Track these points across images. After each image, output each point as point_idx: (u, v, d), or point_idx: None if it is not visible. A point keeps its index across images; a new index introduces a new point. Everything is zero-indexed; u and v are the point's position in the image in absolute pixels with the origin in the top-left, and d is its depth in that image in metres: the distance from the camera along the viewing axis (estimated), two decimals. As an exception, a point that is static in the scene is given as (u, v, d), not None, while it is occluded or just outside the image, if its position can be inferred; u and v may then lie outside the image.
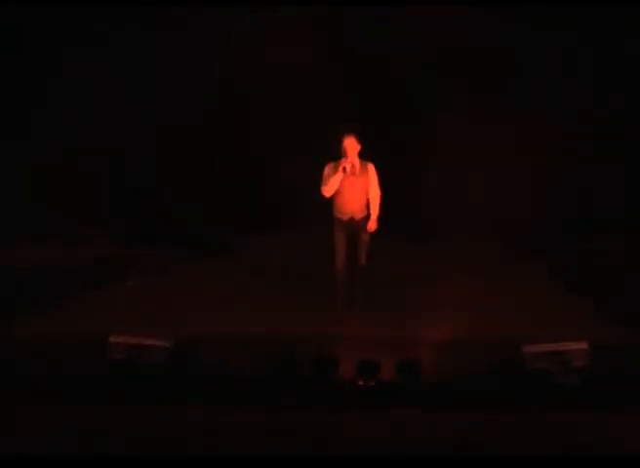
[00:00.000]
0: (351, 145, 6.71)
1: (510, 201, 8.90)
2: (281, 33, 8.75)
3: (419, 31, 8.79)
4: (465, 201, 9.22)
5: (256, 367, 5.04)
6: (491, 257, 8.51)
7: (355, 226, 6.85)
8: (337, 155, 6.84)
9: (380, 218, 6.93)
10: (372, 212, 6.87)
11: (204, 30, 9.01)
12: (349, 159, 6.67)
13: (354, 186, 6.78)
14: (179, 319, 6.58)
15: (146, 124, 9.36)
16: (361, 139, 6.82)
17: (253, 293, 7.63)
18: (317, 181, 6.87)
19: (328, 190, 6.76)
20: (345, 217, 6.86)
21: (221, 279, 8.19)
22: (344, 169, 6.62)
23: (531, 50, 8.76)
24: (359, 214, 6.85)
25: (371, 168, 6.85)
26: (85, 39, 8.97)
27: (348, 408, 4.33)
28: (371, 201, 6.88)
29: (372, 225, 6.86)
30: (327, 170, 6.79)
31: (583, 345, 4.98)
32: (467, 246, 8.76)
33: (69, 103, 9.20)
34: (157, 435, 3.96)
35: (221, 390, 4.68)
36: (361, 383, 4.69)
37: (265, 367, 4.87)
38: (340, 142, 6.77)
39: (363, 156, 6.92)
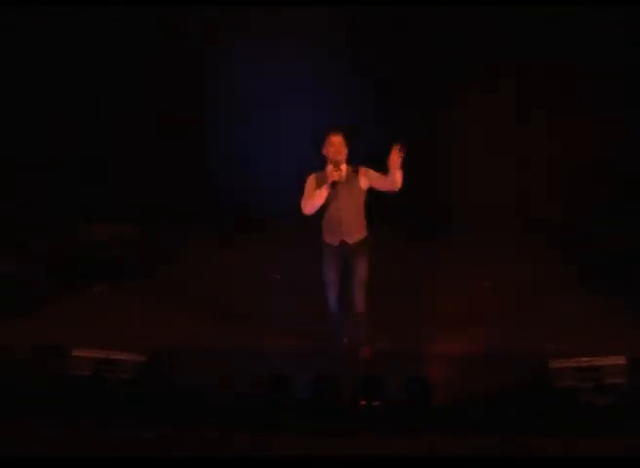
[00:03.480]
0: (340, 145, 5.21)
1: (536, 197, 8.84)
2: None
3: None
4: (485, 197, 8.95)
5: (244, 385, 4.78)
6: (513, 257, 7.95)
7: (349, 254, 5.38)
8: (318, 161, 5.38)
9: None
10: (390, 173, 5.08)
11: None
12: (341, 165, 5.18)
13: (346, 200, 5.29)
14: (146, 331, 6.07)
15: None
16: (350, 139, 5.30)
17: (219, 306, 6.77)
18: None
19: (309, 206, 5.20)
20: (336, 242, 5.38)
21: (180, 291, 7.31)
22: (334, 182, 5.17)
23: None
24: (354, 237, 5.37)
25: (363, 171, 5.30)
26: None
27: (349, 431, 4.09)
28: (394, 180, 5.09)
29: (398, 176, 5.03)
30: (309, 183, 5.33)
31: (620, 360, 4.54)
32: (488, 245, 8.22)
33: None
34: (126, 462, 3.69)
35: (203, 412, 4.42)
36: (363, 403, 4.35)
37: (255, 385, 4.53)
38: (322, 143, 5.29)
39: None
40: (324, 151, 5.29)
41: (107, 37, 9.07)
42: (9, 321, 6.28)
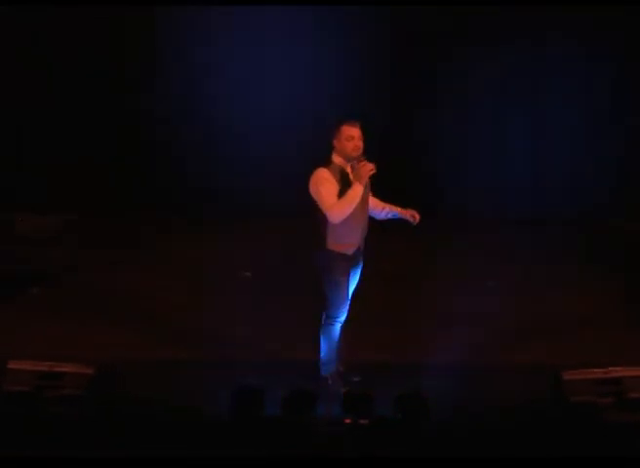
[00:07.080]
0: (359, 140, 4.66)
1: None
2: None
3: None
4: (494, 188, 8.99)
5: (207, 401, 4.59)
6: (523, 254, 7.81)
7: (355, 264, 4.96)
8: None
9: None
10: (395, 208, 5.03)
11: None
12: (364, 159, 4.67)
13: (364, 202, 4.81)
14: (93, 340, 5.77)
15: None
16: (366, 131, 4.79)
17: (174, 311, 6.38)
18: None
19: (346, 209, 4.61)
20: (351, 251, 4.84)
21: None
22: (371, 179, 4.72)
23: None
24: (363, 244, 4.97)
25: None
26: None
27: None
28: (384, 205, 5.03)
29: (415, 214, 4.92)
30: (330, 182, 4.66)
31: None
32: (496, 240, 8.15)
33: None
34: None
35: (163, 432, 3.96)
36: (348, 422, 3.98)
37: (220, 401, 4.21)
38: (332, 133, 4.71)
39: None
40: (336, 143, 4.66)
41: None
42: None
